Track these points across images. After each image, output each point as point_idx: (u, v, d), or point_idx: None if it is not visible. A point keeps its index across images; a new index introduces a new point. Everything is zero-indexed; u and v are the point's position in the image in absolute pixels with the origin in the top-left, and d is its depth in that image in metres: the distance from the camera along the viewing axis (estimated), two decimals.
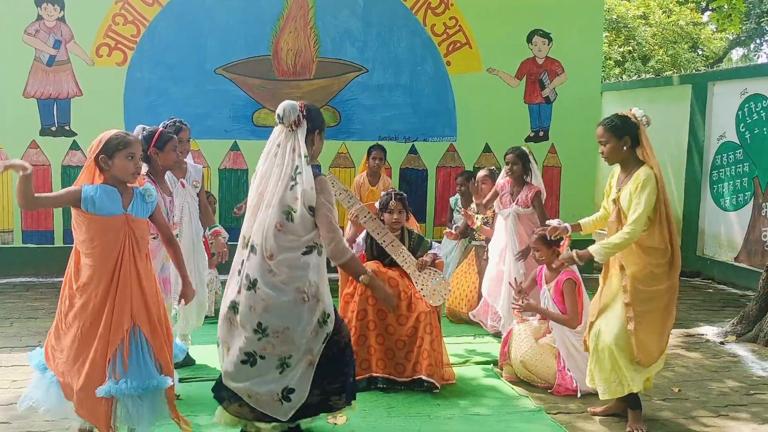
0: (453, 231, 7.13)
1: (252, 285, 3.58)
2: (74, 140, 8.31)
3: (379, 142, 8.40)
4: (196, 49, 8.47)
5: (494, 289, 6.19)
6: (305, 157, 3.57)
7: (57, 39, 8.18)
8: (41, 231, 8.36)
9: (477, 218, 6.55)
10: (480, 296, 6.52)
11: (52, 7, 8.14)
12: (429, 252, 5.27)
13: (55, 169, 8.31)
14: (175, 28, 8.39)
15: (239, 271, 3.64)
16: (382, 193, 5.62)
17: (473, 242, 6.91)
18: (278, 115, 3.61)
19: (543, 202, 6.15)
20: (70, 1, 8.16)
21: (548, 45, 9.18)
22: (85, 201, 3.56)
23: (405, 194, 5.40)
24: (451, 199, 7.86)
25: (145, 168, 4.58)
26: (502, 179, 6.35)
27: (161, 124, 5.32)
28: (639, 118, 4.17)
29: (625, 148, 4.22)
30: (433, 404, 4.74)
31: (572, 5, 9.19)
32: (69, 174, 8.33)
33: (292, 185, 3.54)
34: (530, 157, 6.25)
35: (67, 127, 8.31)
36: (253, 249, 3.58)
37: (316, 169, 3.67)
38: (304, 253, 3.60)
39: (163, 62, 8.40)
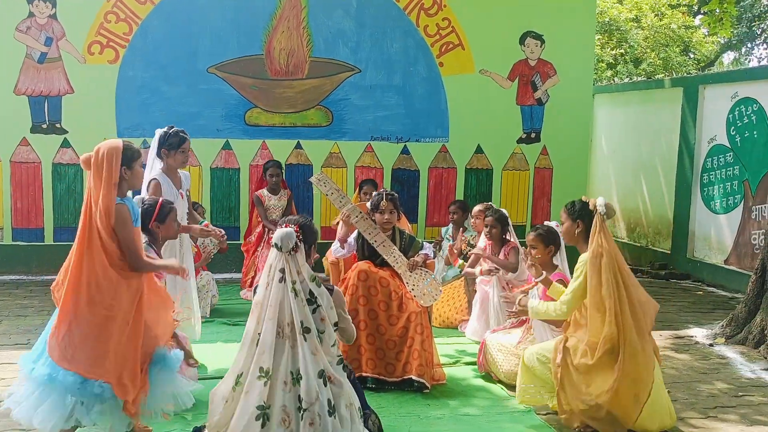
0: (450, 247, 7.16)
1: (333, 411, 3.61)
2: (65, 138, 8.28)
3: (371, 177, 8.48)
4: (189, 48, 8.45)
5: (481, 317, 6.20)
6: (313, 280, 3.67)
7: (48, 36, 8.15)
8: (31, 228, 8.33)
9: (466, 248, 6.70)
10: (466, 317, 6.55)
11: (44, 4, 8.10)
12: (420, 252, 5.28)
13: (45, 166, 8.28)
14: (167, 27, 8.36)
15: (300, 408, 3.55)
16: (374, 193, 5.62)
17: (463, 273, 6.89)
18: (275, 245, 3.65)
19: (519, 256, 6.11)
20: None
21: (541, 47, 9.21)
22: (134, 218, 3.76)
23: (396, 194, 5.41)
24: (443, 229, 7.74)
25: (144, 238, 4.47)
26: (483, 243, 6.40)
27: (160, 131, 5.23)
28: (597, 207, 4.25)
29: (576, 232, 4.44)
30: (423, 404, 4.74)
31: (565, 7, 9.22)
32: (60, 172, 8.30)
33: (314, 308, 3.63)
34: (508, 220, 6.35)
35: (58, 125, 8.28)
36: (322, 375, 3.60)
37: (329, 288, 3.83)
38: (343, 368, 3.78)
39: (156, 61, 8.38)
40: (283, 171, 8.00)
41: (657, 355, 4.35)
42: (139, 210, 3.94)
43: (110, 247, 3.64)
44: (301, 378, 3.55)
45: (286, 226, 3.71)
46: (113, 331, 3.64)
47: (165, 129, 5.24)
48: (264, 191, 7.72)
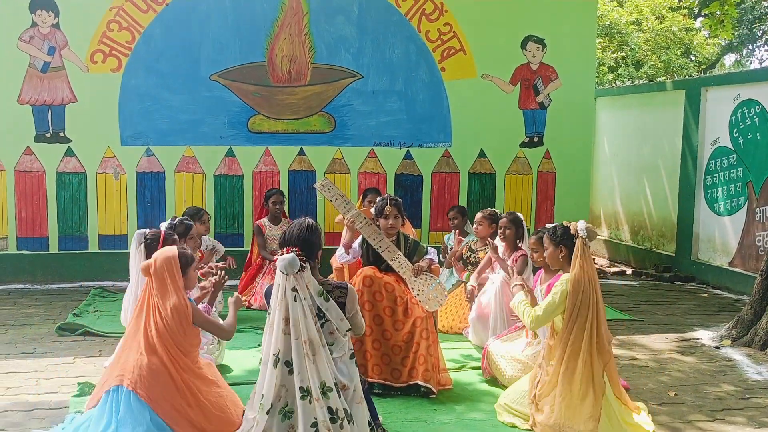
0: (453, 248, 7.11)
1: (337, 417, 3.69)
2: (69, 147, 8.30)
3: (375, 186, 8.51)
4: (191, 56, 8.46)
5: (480, 330, 6.15)
6: (321, 295, 3.74)
7: (51, 45, 8.17)
8: (36, 238, 8.34)
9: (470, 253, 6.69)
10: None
11: (47, 13, 8.13)
12: (425, 257, 5.28)
13: (49, 175, 8.29)
14: (169, 35, 8.38)
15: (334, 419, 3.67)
16: (378, 198, 5.62)
17: (462, 280, 6.85)
18: (281, 271, 3.71)
19: (527, 265, 6.07)
20: (64, 8, 8.15)
21: (542, 51, 9.21)
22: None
23: (400, 199, 5.41)
24: (445, 237, 7.67)
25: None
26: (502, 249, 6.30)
27: (165, 225, 5.35)
28: (579, 232, 4.32)
29: (560, 257, 4.54)
30: (430, 409, 4.74)
31: (566, 11, 9.23)
32: (64, 180, 8.32)
33: (323, 323, 3.72)
34: (523, 222, 6.29)
35: (61, 134, 8.29)
36: (329, 390, 3.69)
37: (343, 286, 3.91)
38: (351, 357, 3.87)
39: (158, 69, 8.39)
40: (286, 199, 8.02)
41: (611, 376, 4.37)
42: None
43: (183, 337, 4.01)
44: (330, 390, 3.68)
45: (287, 251, 3.73)
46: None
47: (169, 221, 5.40)
48: (264, 220, 7.74)
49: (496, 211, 6.90)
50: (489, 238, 6.45)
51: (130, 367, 3.91)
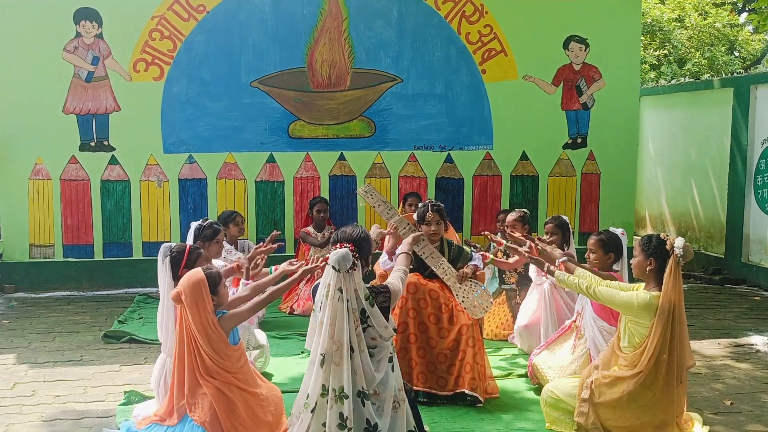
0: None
1: (373, 428, 3.65)
2: (113, 155, 8.40)
3: (415, 190, 8.45)
4: (232, 63, 8.50)
5: (528, 338, 6.03)
6: (367, 299, 3.69)
7: (95, 55, 8.28)
8: (82, 245, 8.45)
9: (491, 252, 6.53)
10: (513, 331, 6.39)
11: (90, 24, 8.24)
12: (470, 264, 5.20)
13: (94, 183, 8.40)
14: (210, 43, 8.44)
15: (342, 426, 3.60)
16: (420, 204, 5.56)
17: (503, 286, 6.73)
18: (333, 267, 3.66)
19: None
20: (107, 18, 8.26)
21: (585, 51, 9.06)
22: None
23: (442, 205, 5.33)
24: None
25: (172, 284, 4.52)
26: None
27: (195, 225, 5.39)
28: (675, 249, 4.10)
29: (648, 269, 4.24)
30: (477, 419, 4.66)
31: (609, 10, 9.07)
32: (108, 188, 8.42)
33: (365, 327, 3.66)
34: (569, 226, 6.09)
35: (105, 142, 8.40)
36: (365, 395, 3.62)
37: (384, 291, 3.85)
38: (389, 361, 3.77)
39: (199, 76, 8.46)
40: (329, 207, 8.01)
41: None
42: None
43: (226, 360, 4.00)
44: (346, 396, 3.56)
45: (340, 246, 3.68)
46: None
47: (200, 222, 5.43)
48: (309, 228, 7.81)
49: (526, 211, 6.75)
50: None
51: (191, 396, 3.94)
